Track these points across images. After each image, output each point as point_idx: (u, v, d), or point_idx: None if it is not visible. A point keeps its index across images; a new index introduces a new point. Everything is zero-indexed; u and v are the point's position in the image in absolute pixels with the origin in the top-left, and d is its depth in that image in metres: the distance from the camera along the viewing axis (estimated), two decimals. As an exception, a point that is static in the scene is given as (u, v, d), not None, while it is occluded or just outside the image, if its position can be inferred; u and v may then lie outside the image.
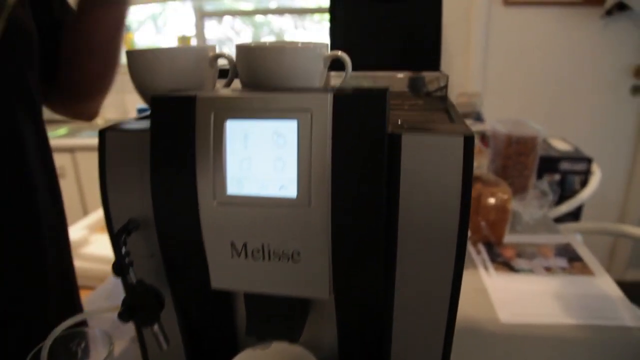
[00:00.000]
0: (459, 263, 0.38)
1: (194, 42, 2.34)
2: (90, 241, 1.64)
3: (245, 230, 0.38)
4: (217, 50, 0.47)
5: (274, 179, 0.37)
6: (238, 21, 2.57)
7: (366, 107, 0.35)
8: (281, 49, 0.41)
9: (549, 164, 1.27)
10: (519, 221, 0.98)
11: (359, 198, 0.36)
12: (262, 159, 0.37)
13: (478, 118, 1.52)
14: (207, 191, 0.38)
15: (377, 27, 0.72)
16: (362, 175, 0.35)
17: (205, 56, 0.46)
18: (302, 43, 0.48)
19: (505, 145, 1.01)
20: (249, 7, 2.46)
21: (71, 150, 1.99)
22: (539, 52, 2.03)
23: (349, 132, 0.35)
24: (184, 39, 2.28)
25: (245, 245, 0.39)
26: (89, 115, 0.70)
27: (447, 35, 2.01)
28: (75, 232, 1.64)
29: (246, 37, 2.59)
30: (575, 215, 1.37)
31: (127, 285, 0.44)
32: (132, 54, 0.45)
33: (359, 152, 0.35)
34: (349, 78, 0.45)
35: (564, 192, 1.31)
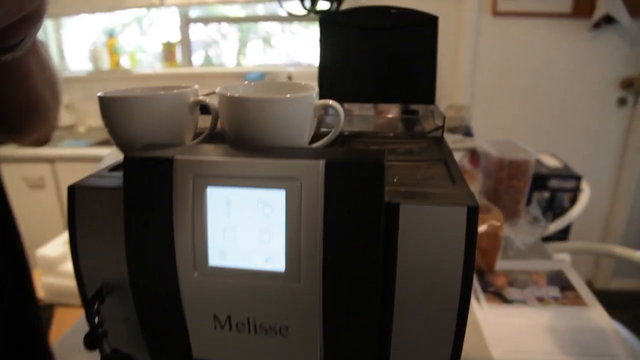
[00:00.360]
0: (459, 337, 0.35)
1: (179, 49, 2.28)
2: (69, 257, 1.58)
3: (228, 303, 0.35)
4: (199, 96, 0.44)
5: (260, 251, 0.34)
6: (224, 24, 2.52)
7: (362, 178, 0.32)
8: (268, 102, 0.38)
9: (539, 181, 1.26)
10: (510, 246, 0.96)
11: (353, 272, 0.33)
12: (246, 229, 0.34)
13: (467, 132, 1.50)
14: (186, 262, 0.35)
15: (368, 54, 0.69)
16: (356, 249, 0.33)
17: (184, 101, 0.43)
18: (290, 86, 0.45)
19: (496, 169, 1.00)
20: (235, 11, 2.42)
21: (51, 160, 1.92)
22: (527, 63, 2.03)
23: (342, 203, 0.32)
24: (168, 45, 2.23)
25: (229, 318, 0.36)
26: (38, 144, 0.62)
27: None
28: (54, 248, 1.58)
29: (232, 40, 2.54)
30: (563, 231, 1.37)
31: (101, 355, 0.40)
32: (105, 100, 0.41)
33: (353, 224, 0.32)
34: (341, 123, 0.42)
35: (553, 209, 1.30)
